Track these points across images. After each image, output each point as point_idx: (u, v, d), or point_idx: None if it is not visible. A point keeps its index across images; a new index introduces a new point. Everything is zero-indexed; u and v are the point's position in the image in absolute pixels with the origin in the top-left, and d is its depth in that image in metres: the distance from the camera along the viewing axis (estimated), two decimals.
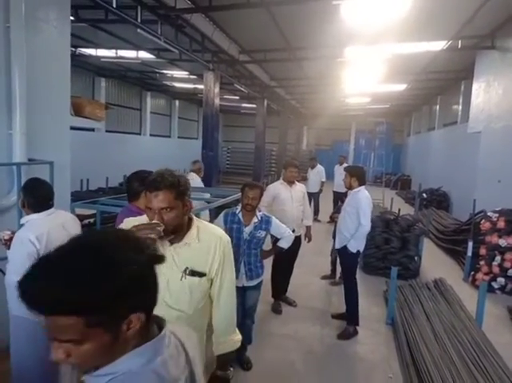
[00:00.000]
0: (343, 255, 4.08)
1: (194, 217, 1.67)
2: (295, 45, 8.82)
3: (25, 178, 2.95)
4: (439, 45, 8.02)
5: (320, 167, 9.79)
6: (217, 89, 7.92)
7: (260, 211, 3.15)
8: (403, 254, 5.69)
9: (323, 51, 8.71)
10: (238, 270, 3.09)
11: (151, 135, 17.45)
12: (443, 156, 13.25)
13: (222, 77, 11.89)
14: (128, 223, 1.70)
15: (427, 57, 10.01)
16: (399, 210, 8.99)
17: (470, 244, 5.81)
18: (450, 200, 11.49)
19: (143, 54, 9.71)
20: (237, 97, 17.69)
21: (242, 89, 11.17)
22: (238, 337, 1.78)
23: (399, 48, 8.49)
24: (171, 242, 1.57)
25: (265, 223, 3.11)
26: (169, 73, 12.84)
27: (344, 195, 6.81)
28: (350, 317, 4.06)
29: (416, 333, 3.66)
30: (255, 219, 3.07)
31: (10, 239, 2.42)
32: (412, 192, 15.72)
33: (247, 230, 3.07)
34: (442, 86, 13.68)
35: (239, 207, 3.12)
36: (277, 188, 4.48)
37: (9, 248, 2.40)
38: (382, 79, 11.73)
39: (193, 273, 1.57)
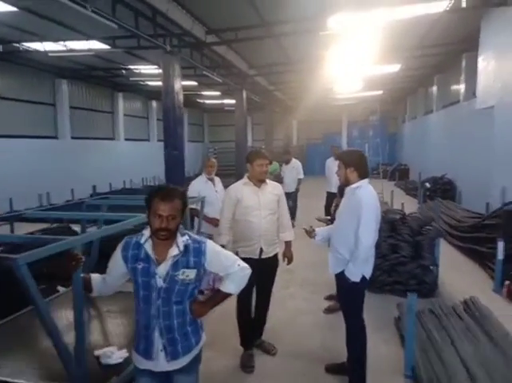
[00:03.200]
0: (341, 284, 2.80)
1: None
2: (270, 19, 7.52)
3: None
4: (441, 5, 6.73)
5: (296, 163, 8.45)
6: (178, 76, 6.60)
7: (184, 235, 1.84)
8: (416, 264, 4.40)
9: (303, 24, 7.41)
10: (150, 344, 1.79)
11: (126, 139, 16.10)
12: (444, 140, 11.99)
13: (195, 69, 10.65)
14: None
15: (424, 28, 8.78)
16: (403, 205, 7.81)
17: (501, 244, 4.54)
18: (457, 189, 10.23)
19: (96, 44, 8.38)
20: (217, 93, 16.39)
21: (215, 78, 9.84)
22: None
23: (393, 13, 7.22)
24: None
25: (195, 253, 1.79)
26: (136, 67, 11.52)
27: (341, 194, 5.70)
28: (353, 377, 2.77)
29: None
30: (174, 251, 1.77)
31: None
32: (412, 182, 14.48)
33: (161, 270, 1.76)
34: (439, 64, 12.43)
35: (146, 233, 1.81)
36: (239, 191, 3.18)
37: None
38: (374, 59, 10.45)
39: None
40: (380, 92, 17.45)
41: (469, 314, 3.42)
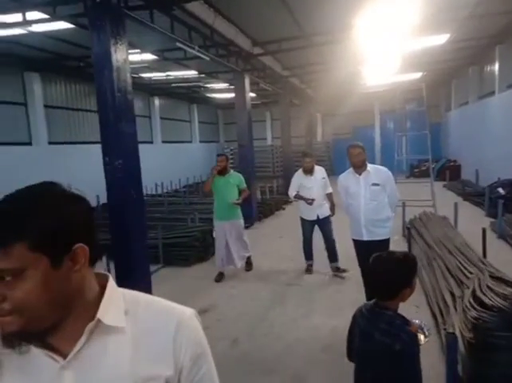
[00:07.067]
0: None
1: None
2: None
3: None
4: None
5: (322, 171, 5.49)
6: (122, 45, 4.20)
7: None
8: None
9: None
10: None
11: None
12: None
13: (185, 52, 8.18)
14: None
15: None
16: (485, 234, 5.03)
17: None
18: None
19: (34, 15, 6.13)
20: (224, 84, 13.99)
21: (196, 53, 7.21)
22: None
23: None
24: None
25: None
26: None
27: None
28: None
29: None
30: None
31: None
32: (470, 184, 11.50)
33: None
34: (502, 30, 9.47)
35: None
36: None
37: None
38: (414, 27, 7.69)
39: None
40: (419, 74, 14.50)
41: None
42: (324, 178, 5.37)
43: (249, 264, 5.93)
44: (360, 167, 3.84)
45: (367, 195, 3.77)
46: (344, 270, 5.33)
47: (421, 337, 1.81)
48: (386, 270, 1.71)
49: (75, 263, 0.72)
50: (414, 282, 1.73)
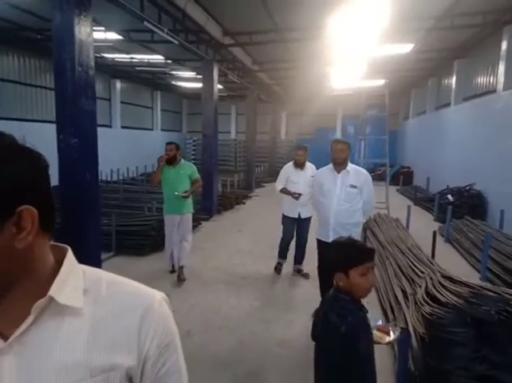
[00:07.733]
0: None
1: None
2: None
3: None
4: None
5: (312, 167, 5.06)
6: (87, 17, 3.90)
7: None
8: None
9: None
10: None
11: None
12: (467, 140, 9.57)
13: (152, 34, 7.85)
14: None
15: None
16: (435, 234, 5.30)
17: None
18: (489, 205, 7.83)
19: None
20: (191, 73, 13.68)
21: (163, 34, 6.89)
22: None
23: None
24: None
25: None
26: None
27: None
28: None
29: None
30: None
31: None
32: (421, 190, 12.09)
33: None
34: (462, 44, 9.97)
35: None
36: None
37: None
38: (382, 33, 7.89)
39: None
40: (382, 82, 15.00)
41: None
42: (313, 176, 4.88)
43: (181, 274, 5.12)
44: (340, 165, 3.60)
45: (341, 195, 3.57)
46: (304, 275, 5.21)
47: (386, 337, 1.85)
48: (339, 246, 1.79)
49: (20, 230, 0.60)
50: (365, 267, 1.70)
